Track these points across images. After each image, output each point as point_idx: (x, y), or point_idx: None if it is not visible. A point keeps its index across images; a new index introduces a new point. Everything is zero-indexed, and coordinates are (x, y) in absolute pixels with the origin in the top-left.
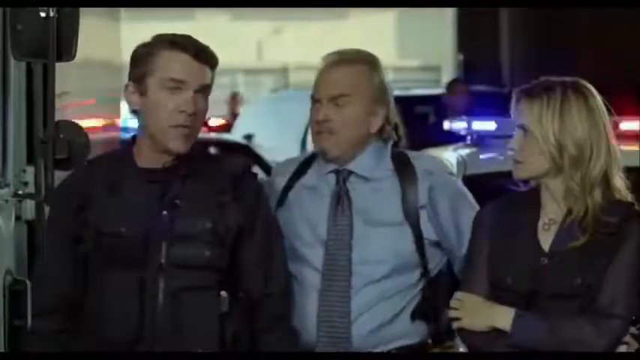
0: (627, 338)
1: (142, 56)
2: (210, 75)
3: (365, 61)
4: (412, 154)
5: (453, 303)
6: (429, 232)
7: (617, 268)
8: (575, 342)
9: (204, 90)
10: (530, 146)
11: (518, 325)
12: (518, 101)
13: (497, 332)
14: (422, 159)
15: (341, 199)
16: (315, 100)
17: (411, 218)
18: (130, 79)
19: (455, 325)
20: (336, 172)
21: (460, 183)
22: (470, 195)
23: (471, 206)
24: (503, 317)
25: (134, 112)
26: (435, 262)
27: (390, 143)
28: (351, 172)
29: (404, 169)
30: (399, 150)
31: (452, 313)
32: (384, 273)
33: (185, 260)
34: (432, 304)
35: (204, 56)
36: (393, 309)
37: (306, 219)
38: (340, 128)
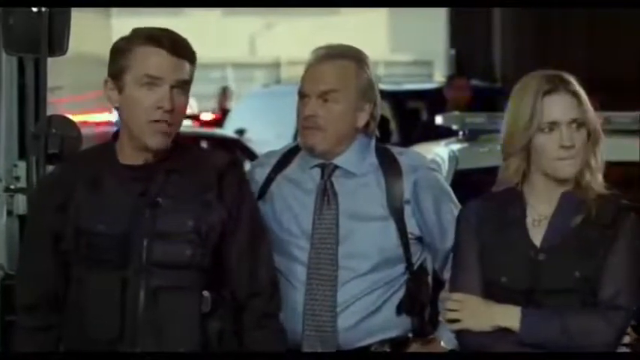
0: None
1: (119, 52)
2: (189, 69)
3: (353, 56)
4: (396, 150)
5: (451, 305)
6: (412, 226)
7: (616, 260)
8: (587, 335)
9: (183, 85)
10: (581, 140)
11: (528, 322)
12: (546, 96)
13: (500, 332)
14: (406, 155)
15: (326, 193)
16: (302, 96)
17: (396, 213)
18: (108, 74)
19: (455, 326)
20: (322, 166)
21: (443, 179)
22: (452, 192)
23: (453, 202)
24: (509, 316)
25: (117, 108)
26: (417, 256)
27: (374, 139)
28: (337, 167)
29: (388, 164)
30: (382, 145)
31: (451, 315)
32: (370, 267)
33: (166, 259)
34: (415, 298)
35: (181, 50)
36: (378, 302)
37: (290, 212)
38: (328, 124)
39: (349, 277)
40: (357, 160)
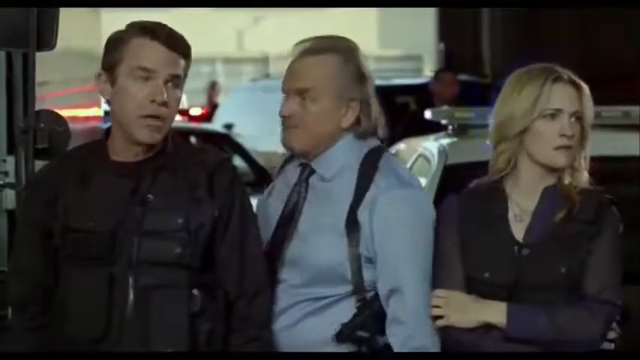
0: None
1: (113, 44)
2: (183, 64)
3: (337, 49)
4: (384, 159)
5: (436, 301)
6: (364, 248)
7: (600, 255)
8: (574, 330)
9: (176, 79)
10: (578, 133)
11: (515, 318)
12: (555, 83)
13: (483, 329)
14: (383, 169)
15: (298, 195)
16: (284, 92)
17: (351, 228)
18: (102, 67)
19: (441, 322)
20: (304, 166)
21: (409, 204)
22: (416, 220)
23: (409, 233)
24: (495, 312)
25: (108, 102)
26: (373, 281)
27: (372, 139)
28: (313, 170)
29: (367, 175)
30: (380, 148)
31: (436, 311)
32: (304, 281)
33: (155, 257)
34: (360, 326)
35: (176, 44)
36: (314, 324)
37: (268, 214)
38: (305, 124)
39: (285, 287)
40: (334, 164)
